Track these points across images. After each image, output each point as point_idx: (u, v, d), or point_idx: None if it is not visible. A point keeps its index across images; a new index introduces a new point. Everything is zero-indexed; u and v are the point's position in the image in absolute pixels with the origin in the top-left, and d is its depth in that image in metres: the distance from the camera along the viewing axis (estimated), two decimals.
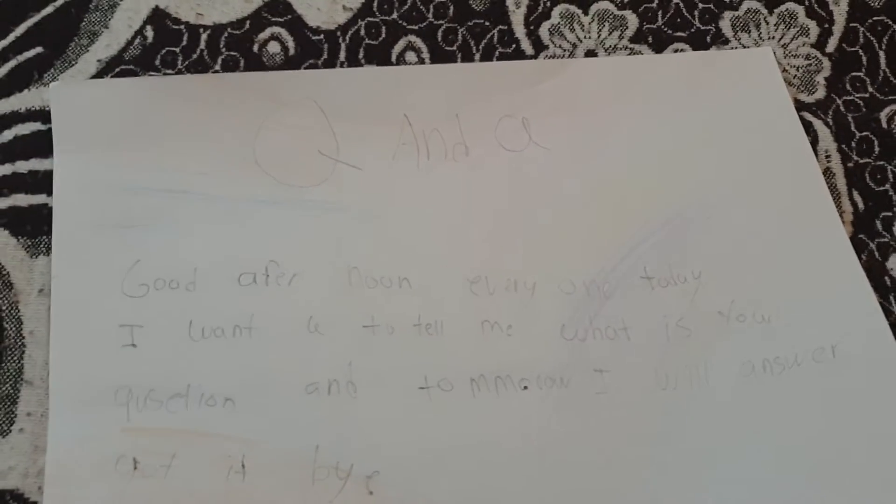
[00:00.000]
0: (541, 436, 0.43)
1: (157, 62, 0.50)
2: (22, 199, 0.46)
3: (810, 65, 0.53)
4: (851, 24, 0.54)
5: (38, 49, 0.49)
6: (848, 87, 0.52)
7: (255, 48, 0.50)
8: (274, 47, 0.51)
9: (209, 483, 0.41)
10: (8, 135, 0.47)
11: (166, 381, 0.43)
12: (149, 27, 0.50)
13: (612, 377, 0.44)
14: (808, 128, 0.51)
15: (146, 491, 0.41)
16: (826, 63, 0.53)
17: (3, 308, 0.43)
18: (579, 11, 0.54)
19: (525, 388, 0.44)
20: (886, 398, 0.43)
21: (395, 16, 0.52)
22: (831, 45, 0.54)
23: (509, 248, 0.47)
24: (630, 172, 0.49)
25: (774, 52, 0.53)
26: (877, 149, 0.50)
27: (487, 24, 0.53)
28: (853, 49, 0.54)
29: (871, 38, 0.54)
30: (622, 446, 0.43)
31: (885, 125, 0.51)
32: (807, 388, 0.44)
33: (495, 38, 0.52)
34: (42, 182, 0.46)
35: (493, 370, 0.44)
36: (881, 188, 0.49)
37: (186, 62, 0.50)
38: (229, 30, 0.51)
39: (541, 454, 0.43)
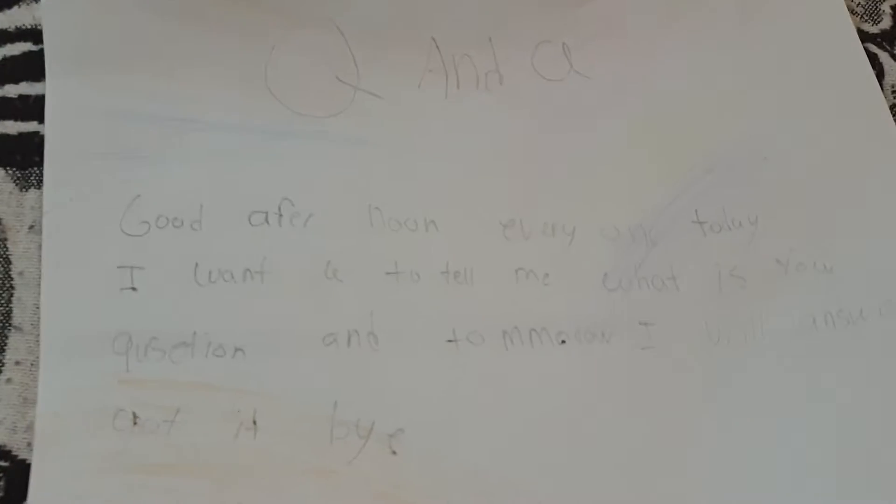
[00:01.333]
0: (579, 394, 0.40)
1: None
2: (11, 127, 0.42)
3: None
4: None
5: None
6: None
7: None
8: None
9: (217, 441, 0.38)
10: None
11: (170, 329, 0.39)
12: None
13: (659, 330, 0.41)
14: (874, 60, 0.47)
15: (147, 449, 0.37)
16: None
17: None
18: None
19: (563, 342, 0.41)
20: None
21: None
22: None
23: (547, 188, 0.44)
24: (680, 106, 0.45)
25: None
26: None
27: None
28: None
29: None
30: (669, 405, 0.40)
31: None
32: (872, 344, 0.41)
33: None
34: (33, 108, 0.42)
35: (527, 322, 0.41)
36: None
37: None
38: None
39: (579, 413, 0.40)
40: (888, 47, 0.48)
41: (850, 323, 0.42)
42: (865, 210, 0.44)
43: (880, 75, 0.47)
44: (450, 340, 0.40)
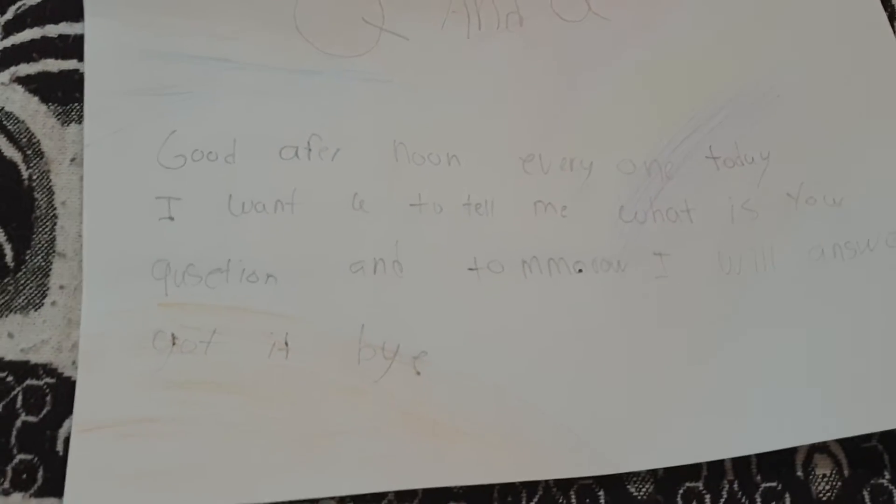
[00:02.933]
0: (595, 320, 0.42)
1: None
2: (52, 65, 0.44)
3: None
4: None
5: None
6: None
7: None
8: None
9: (251, 360, 0.40)
10: None
11: (205, 256, 0.41)
12: None
13: (673, 261, 0.42)
14: (886, 2, 0.47)
15: (185, 367, 0.39)
16: None
17: (34, 177, 0.41)
18: None
19: (580, 270, 0.42)
20: None
21: None
22: None
23: (565, 125, 0.45)
24: (695, 46, 0.46)
25: None
26: None
27: None
28: None
29: None
30: (682, 332, 0.42)
31: None
32: (879, 274, 0.42)
33: None
34: (73, 46, 0.44)
35: (546, 252, 0.42)
36: None
37: None
38: None
39: (594, 339, 0.41)
40: None
41: (857, 253, 0.42)
42: (874, 145, 0.44)
43: (892, 15, 0.47)
44: (471, 269, 0.42)
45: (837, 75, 0.46)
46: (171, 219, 0.41)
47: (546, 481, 0.40)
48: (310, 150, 0.43)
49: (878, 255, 0.42)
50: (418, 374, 0.40)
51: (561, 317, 0.41)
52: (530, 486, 0.39)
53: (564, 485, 0.40)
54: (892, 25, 0.47)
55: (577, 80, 0.45)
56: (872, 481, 0.40)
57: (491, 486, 0.39)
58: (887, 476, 0.40)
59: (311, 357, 0.40)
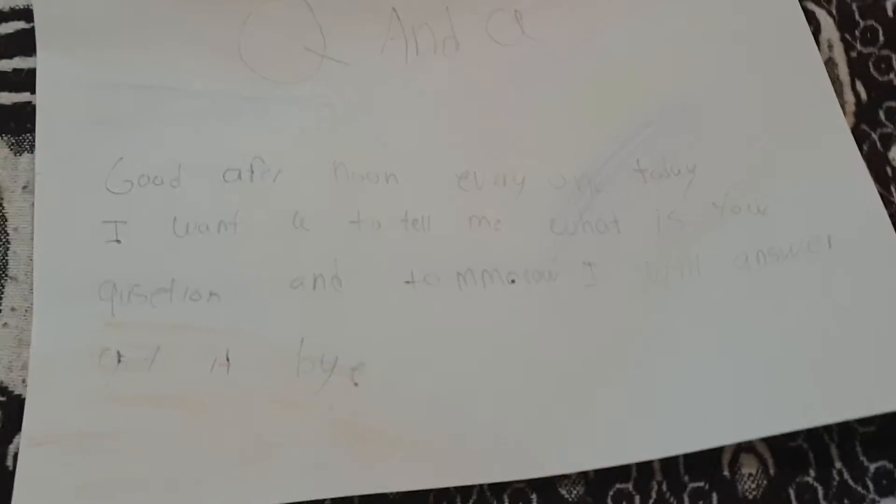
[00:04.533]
0: (528, 329, 0.43)
1: None
2: (6, 98, 0.46)
3: None
4: None
5: None
6: None
7: None
8: None
9: (194, 376, 0.41)
10: None
11: (151, 277, 0.42)
12: None
13: (601, 270, 0.44)
14: (811, 17, 0.49)
15: (130, 383, 0.41)
16: None
17: None
18: None
19: (513, 281, 0.43)
20: (882, 289, 0.42)
21: None
22: None
23: (499, 143, 0.46)
24: (623, 64, 0.48)
25: None
26: (882, 38, 0.49)
27: None
28: None
29: None
30: (611, 340, 0.43)
31: (890, 13, 0.49)
32: (801, 279, 0.43)
33: None
34: (26, 80, 0.46)
35: (480, 264, 0.44)
36: (885, 77, 0.48)
37: None
38: None
39: (528, 347, 0.42)
40: (825, 4, 0.49)
41: (780, 259, 0.44)
42: (797, 157, 0.46)
43: (816, 31, 0.49)
44: (408, 282, 0.43)
45: (762, 89, 0.47)
46: (118, 241, 0.43)
47: (480, 486, 0.41)
48: (252, 172, 0.44)
49: (800, 261, 0.43)
50: (356, 385, 0.41)
51: (495, 326, 0.43)
52: (464, 491, 0.41)
53: (498, 489, 0.41)
54: (817, 40, 0.48)
55: (510, 99, 0.47)
56: (798, 479, 0.41)
57: (426, 492, 0.40)
58: (812, 474, 0.41)
59: (252, 371, 0.41)
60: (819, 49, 0.48)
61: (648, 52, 0.48)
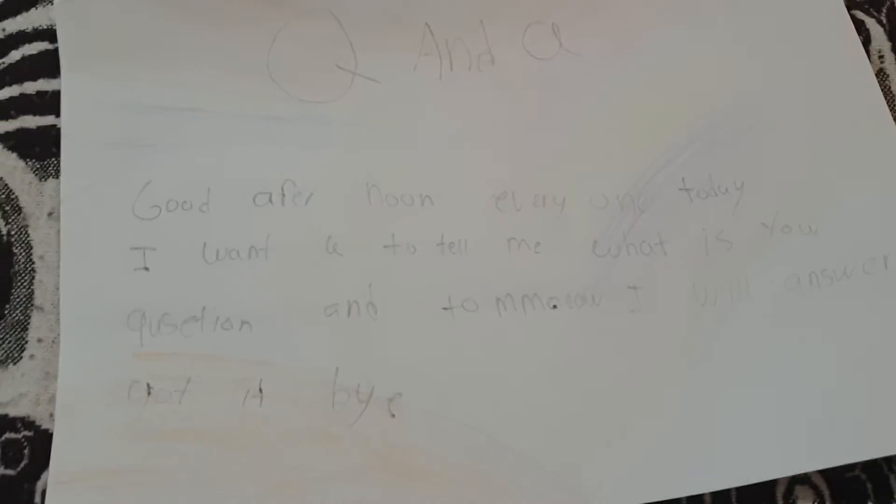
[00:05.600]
0: (571, 356, 0.41)
1: None
2: (30, 121, 0.44)
3: None
4: None
5: None
6: None
7: None
8: None
9: (226, 408, 0.40)
10: (15, 55, 0.45)
11: (180, 305, 0.41)
12: None
13: (647, 294, 0.42)
14: (860, 27, 0.47)
15: (161, 416, 0.39)
16: None
17: (13, 232, 0.42)
18: None
19: (554, 306, 0.42)
20: None
21: None
22: None
23: (537, 162, 0.45)
24: (666, 79, 0.46)
25: None
26: None
27: None
28: None
29: None
30: (658, 366, 0.41)
31: None
32: (857, 301, 0.42)
33: None
34: (50, 103, 0.44)
35: (520, 289, 0.42)
36: None
37: None
38: None
39: (571, 375, 0.41)
40: (875, 13, 0.47)
41: (834, 281, 0.42)
42: (849, 173, 0.44)
43: (867, 41, 0.47)
44: (445, 308, 0.42)
45: (811, 104, 0.45)
46: (147, 269, 0.41)
47: None
48: (283, 195, 0.43)
49: (856, 282, 0.42)
50: (393, 416, 0.40)
51: (536, 353, 0.41)
52: None
53: None
54: (868, 50, 0.46)
55: (548, 116, 0.45)
56: None
57: None
58: None
59: (286, 403, 0.40)
60: (870, 60, 0.46)
61: (691, 65, 0.46)
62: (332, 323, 0.41)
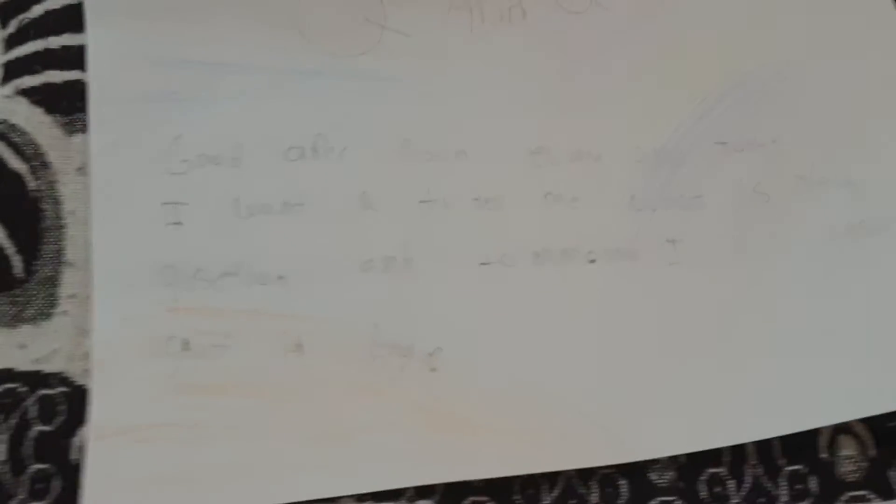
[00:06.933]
0: (610, 309, 0.41)
1: None
2: (55, 76, 0.43)
3: None
4: None
5: None
6: None
7: None
8: None
9: (266, 362, 0.39)
10: (38, 10, 0.44)
11: (215, 260, 0.40)
12: None
13: (686, 247, 0.42)
14: None
15: (199, 371, 0.39)
16: None
17: (42, 188, 0.41)
18: None
19: (592, 261, 0.42)
20: None
21: None
22: None
23: (572, 116, 0.44)
24: (700, 33, 0.46)
25: None
26: None
27: None
28: None
29: None
30: (698, 319, 0.41)
31: None
32: (894, 251, 0.41)
33: None
34: (75, 57, 0.43)
35: (557, 244, 0.42)
36: None
37: None
38: None
39: (611, 328, 0.41)
40: None
41: (872, 233, 0.42)
42: (884, 126, 0.44)
43: None
44: (483, 263, 0.41)
45: (843, 56, 0.45)
46: (179, 224, 0.41)
47: (567, 472, 0.39)
48: (316, 150, 0.42)
49: (893, 233, 0.42)
50: (433, 370, 0.40)
51: (575, 307, 0.41)
52: (551, 478, 0.39)
53: (586, 474, 0.39)
54: None
55: (582, 70, 0.45)
56: None
57: (511, 479, 0.39)
58: None
59: (326, 357, 0.39)
60: None
61: (723, 19, 0.46)
62: (369, 278, 0.41)
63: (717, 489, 0.39)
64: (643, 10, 0.46)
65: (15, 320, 0.39)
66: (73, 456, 0.38)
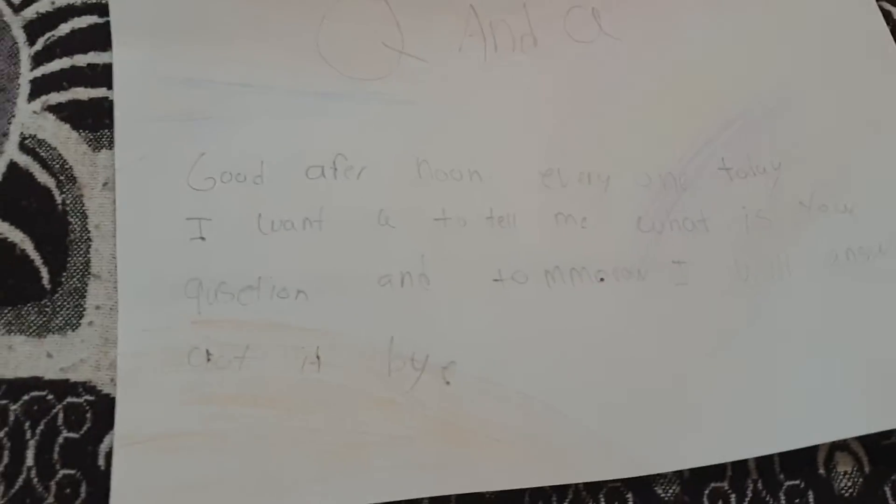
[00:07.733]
0: (619, 327, 0.43)
1: None
2: (82, 93, 0.45)
3: None
4: None
5: None
6: None
7: None
8: None
9: (284, 374, 0.40)
10: (64, 28, 0.46)
11: (237, 274, 0.42)
12: None
13: (691, 268, 0.44)
14: (888, 17, 0.49)
15: (221, 382, 0.40)
16: None
17: (68, 202, 0.42)
18: None
19: (602, 279, 0.43)
20: None
21: None
22: None
23: (581, 140, 0.46)
24: (705, 62, 0.48)
25: None
26: None
27: None
28: None
29: None
30: (703, 338, 0.43)
31: None
32: (892, 276, 0.43)
33: None
34: (101, 75, 0.45)
35: (567, 262, 0.43)
36: None
37: None
38: None
39: (620, 346, 0.42)
40: None
41: (870, 258, 0.44)
42: (881, 154, 0.46)
43: (894, 31, 0.49)
44: (496, 280, 0.43)
45: (842, 86, 0.47)
46: (203, 238, 0.42)
47: (575, 485, 0.41)
48: (335, 169, 0.44)
49: (891, 259, 0.44)
50: (448, 383, 0.41)
51: (585, 324, 0.42)
52: (560, 490, 0.40)
53: (593, 488, 0.41)
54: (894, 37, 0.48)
55: (591, 97, 0.47)
56: (893, 477, 0.41)
57: (522, 491, 0.40)
58: None
59: (343, 370, 0.41)
60: None
61: (728, 49, 0.48)
62: (385, 293, 0.42)
63: (720, 503, 0.41)
64: (650, 40, 0.48)
65: (43, 330, 0.40)
66: (99, 462, 0.39)
